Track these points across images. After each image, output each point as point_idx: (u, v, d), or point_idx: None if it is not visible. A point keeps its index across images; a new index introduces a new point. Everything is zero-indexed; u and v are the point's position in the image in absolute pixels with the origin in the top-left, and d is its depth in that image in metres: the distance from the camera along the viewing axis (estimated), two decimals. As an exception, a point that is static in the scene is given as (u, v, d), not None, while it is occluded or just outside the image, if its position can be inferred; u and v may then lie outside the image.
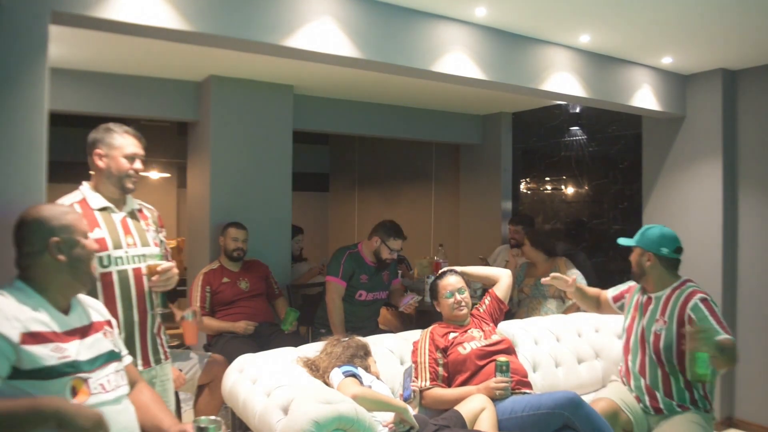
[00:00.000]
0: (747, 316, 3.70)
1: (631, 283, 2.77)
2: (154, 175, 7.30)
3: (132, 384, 1.72)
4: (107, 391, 1.55)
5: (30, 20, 1.91)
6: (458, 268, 2.97)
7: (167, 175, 7.46)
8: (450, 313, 2.73)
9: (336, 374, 2.23)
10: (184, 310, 2.42)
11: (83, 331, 1.58)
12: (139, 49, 3.36)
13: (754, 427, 3.64)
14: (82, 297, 1.69)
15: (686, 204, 3.92)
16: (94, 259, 1.67)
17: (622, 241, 2.64)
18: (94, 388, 1.52)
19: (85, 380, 1.50)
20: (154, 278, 2.03)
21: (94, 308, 1.70)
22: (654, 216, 4.12)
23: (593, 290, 2.94)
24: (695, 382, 2.36)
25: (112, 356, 1.63)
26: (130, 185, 2.05)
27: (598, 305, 2.91)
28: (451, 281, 2.77)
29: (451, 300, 2.72)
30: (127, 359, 1.74)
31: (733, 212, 3.79)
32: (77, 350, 1.52)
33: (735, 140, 3.80)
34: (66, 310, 1.58)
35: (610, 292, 2.86)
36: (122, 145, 2.03)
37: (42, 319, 1.48)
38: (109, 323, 1.71)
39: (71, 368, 1.48)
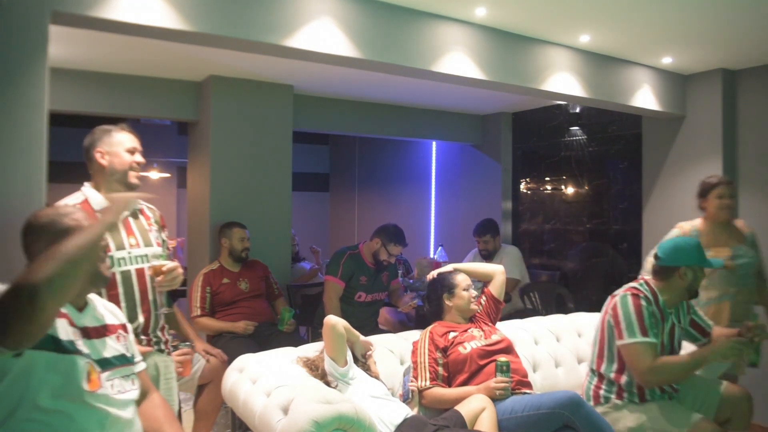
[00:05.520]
0: (747, 316, 3.70)
1: None
2: (154, 175, 7.30)
3: (144, 393, 1.69)
4: (112, 395, 1.51)
5: (30, 20, 1.91)
6: (453, 266, 2.97)
7: (167, 175, 7.46)
8: (467, 306, 2.73)
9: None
10: (181, 342, 2.40)
11: (96, 332, 1.55)
12: (139, 49, 3.36)
13: (754, 427, 3.64)
14: (99, 299, 1.67)
15: (686, 204, 3.92)
16: (104, 259, 1.64)
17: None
18: (102, 384, 1.49)
19: (99, 372, 1.48)
20: (159, 278, 2.03)
21: (110, 311, 1.68)
22: (654, 216, 4.12)
23: None
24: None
25: (122, 360, 1.59)
26: (134, 180, 2.06)
27: None
28: (464, 277, 2.79)
29: (468, 294, 2.74)
30: (140, 366, 1.70)
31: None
32: (88, 348, 1.50)
33: (735, 140, 3.80)
34: (81, 308, 1.56)
35: None
36: (121, 140, 2.05)
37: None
38: (123, 327, 1.69)
39: (85, 356, 1.46)
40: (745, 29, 3.01)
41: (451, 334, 2.64)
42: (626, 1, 2.66)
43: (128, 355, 1.64)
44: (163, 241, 2.19)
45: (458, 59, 2.91)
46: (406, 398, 2.46)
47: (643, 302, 2.37)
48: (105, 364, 1.52)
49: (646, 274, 2.67)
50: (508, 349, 2.66)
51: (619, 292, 2.48)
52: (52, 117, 2.12)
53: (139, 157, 2.07)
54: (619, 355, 2.41)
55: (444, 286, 2.77)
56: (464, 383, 2.50)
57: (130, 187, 2.07)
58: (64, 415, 1.38)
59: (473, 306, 2.75)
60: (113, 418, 1.47)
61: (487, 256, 4.51)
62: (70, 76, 3.76)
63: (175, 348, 2.33)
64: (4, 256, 1.82)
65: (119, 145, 2.03)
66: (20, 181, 1.87)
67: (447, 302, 2.75)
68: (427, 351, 2.58)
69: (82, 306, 1.56)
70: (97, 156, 2.02)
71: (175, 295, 4.47)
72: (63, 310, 1.47)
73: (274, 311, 3.79)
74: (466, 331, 2.67)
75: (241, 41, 2.39)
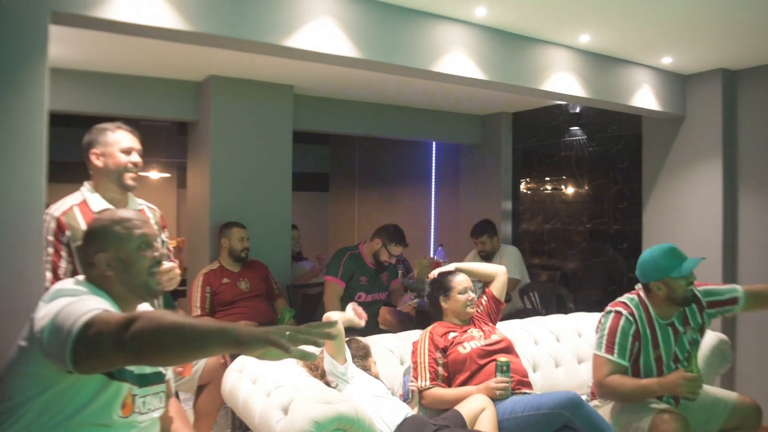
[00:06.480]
0: (746, 317, 3.70)
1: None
2: (154, 175, 7.31)
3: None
4: (141, 413, 1.49)
5: (30, 20, 1.91)
6: (454, 265, 2.96)
7: (167, 175, 7.46)
8: (462, 309, 2.70)
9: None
10: None
11: None
12: (139, 49, 3.36)
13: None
14: (146, 306, 1.63)
15: (686, 204, 3.92)
16: (156, 267, 1.54)
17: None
18: (135, 407, 1.47)
19: (134, 396, 1.46)
20: None
21: None
22: (654, 216, 4.12)
23: None
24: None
25: (158, 377, 1.56)
26: (130, 181, 2.02)
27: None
28: (463, 279, 2.75)
29: (464, 297, 2.70)
30: (167, 375, 1.69)
31: (733, 212, 3.79)
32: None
33: (735, 140, 3.80)
34: None
35: None
36: (117, 140, 2.01)
37: None
38: None
39: (129, 377, 1.44)
40: (745, 29, 3.01)
41: (451, 335, 2.64)
42: (626, 1, 2.66)
43: (164, 372, 1.61)
44: (163, 241, 2.18)
45: (458, 59, 2.91)
46: (406, 398, 2.46)
47: (623, 322, 2.36)
48: (143, 380, 1.50)
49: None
50: (508, 349, 2.66)
51: (611, 306, 2.47)
52: (52, 117, 2.11)
53: (135, 157, 2.02)
54: None
55: (441, 288, 2.76)
56: (464, 383, 2.50)
57: (126, 188, 2.03)
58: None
59: (469, 309, 2.72)
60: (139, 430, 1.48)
61: (486, 257, 4.51)
62: (70, 76, 3.76)
63: None
64: (4, 255, 1.82)
65: (114, 145, 2.00)
66: (20, 181, 1.87)
67: (443, 304, 2.75)
68: (427, 351, 2.58)
69: None
70: (93, 157, 2.00)
71: (175, 295, 4.46)
72: None
73: (274, 311, 3.79)
74: (465, 331, 2.67)
75: (241, 41, 2.39)
